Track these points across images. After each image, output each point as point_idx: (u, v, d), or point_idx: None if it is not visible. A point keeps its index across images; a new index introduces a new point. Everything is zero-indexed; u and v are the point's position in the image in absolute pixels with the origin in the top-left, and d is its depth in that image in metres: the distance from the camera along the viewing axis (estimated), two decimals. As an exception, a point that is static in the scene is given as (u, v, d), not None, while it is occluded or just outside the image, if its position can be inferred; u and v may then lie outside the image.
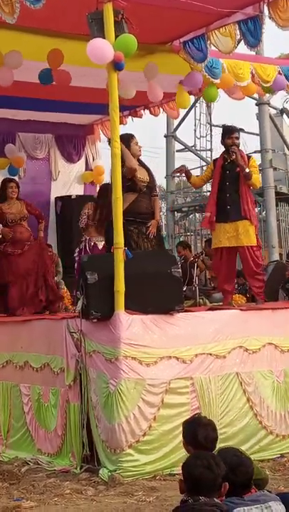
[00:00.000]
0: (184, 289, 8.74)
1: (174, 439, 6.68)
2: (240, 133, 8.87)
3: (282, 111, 20.82)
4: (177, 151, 22.29)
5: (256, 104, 18.81)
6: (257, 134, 19.23)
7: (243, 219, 8.17)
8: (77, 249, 10.26)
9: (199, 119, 22.24)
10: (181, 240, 19.46)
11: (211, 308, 8.19)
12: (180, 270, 7.28)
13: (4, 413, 7.99)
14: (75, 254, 10.14)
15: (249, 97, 14.44)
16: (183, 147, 22.36)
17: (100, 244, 9.51)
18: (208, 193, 22.30)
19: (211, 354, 7.10)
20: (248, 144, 32.97)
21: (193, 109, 21.49)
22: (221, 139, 8.61)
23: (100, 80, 7.43)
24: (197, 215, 23.19)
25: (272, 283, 9.33)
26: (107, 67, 6.88)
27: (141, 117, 11.42)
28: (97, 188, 10.84)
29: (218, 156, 8.66)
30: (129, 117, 11.44)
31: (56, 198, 12.40)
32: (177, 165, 22.26)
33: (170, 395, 6.78)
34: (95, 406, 6.75)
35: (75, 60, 8.27)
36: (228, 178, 8.29)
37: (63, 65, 8.56)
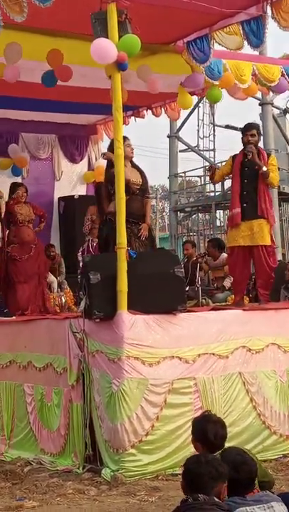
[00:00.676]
0: (187, 289, 8.75)
1: (177, 439, 6.69)
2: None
3: (286, 111, 20.82)
4: (180, 151, 22.30)
5: (259, 105, 18.81)
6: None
7: (259, 218, 8.11)
8: (81, 250, 10.33)
9: (202, 120, 22.24)
10: (184, 240, 19.41)
11: (214, 309, 8.19)
12: (183, 270, 7.28)
13: (8, 413, 8.00)
14: (79, 254, 10.20)
15: (252, 97, 14.46)
16: (186, 147, 22.36)
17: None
18: (211, 194, 22.40)
19: (213, 354, 7.10)
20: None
21: (197, 109, 21.49)
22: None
23: (104, 80, 7.42)
24: (200, 215, 23.19)
25: (274, 283, 9.31)
26: (111, 67, 6.88)
27: (143, 117, 11.43)
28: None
29: (237, 153, 8.52)
30: (132, 117, 11.45)
31: (59, 198, 12.42)
32: (180, 165, 22.40)
33: (173, 395, 6.78)
34: (98, 406, 6.76)
35: (78, 59, 8.27)
36: (246, 175, 8.22)
37: (66, 64, 8.54)
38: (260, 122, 18.66)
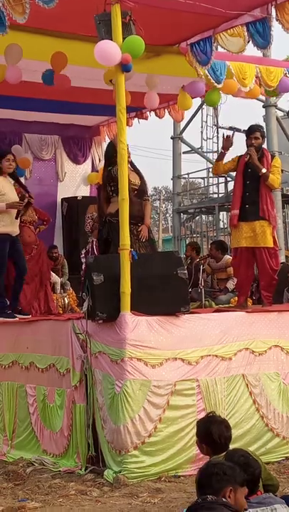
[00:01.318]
0: (190, 290, 8.75)
1: (180, 441, 6.69)
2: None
3: (289, 113, 20.79)
4: (184, 152, 22.30)
5: (263, 107, 18.81)
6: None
7: (260, 219, 8.12)
8: (84, 251, 10.33)
9: (206, 121, 22.24)
10: (187, 241, 19.43)
11: (217, 310, 8.19)
12: (186, 272, 7.28)
13: (9, 413, 8.00)
14: (82, 256, 10.21)
15: (256, 99, 14.45)
16: (189, 149, 22.36)
17: None
18: (215, 195, 22.40)
19: (216, 356, 7.09)
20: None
21: (200, 111, 21.50)
22: None
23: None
24: (203, 216, 23.19)
25: (278, 285, 9.30)
26: (115, 69, 6.88)
27: (147, 119, 11.44)
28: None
29: (243, 154, 8.52)
30: (135, 119, 11.46)
31: (62, 199, 12.43)
32: (184, 167, 22.41)
33: (175, 396, 6.77)
34: (101, 407, 6.75)
35: (82, 61, 8.28)
36: (248, 177, 8.24)
37: (70, 65, 8.56)
38: (263, 124, 18.67)
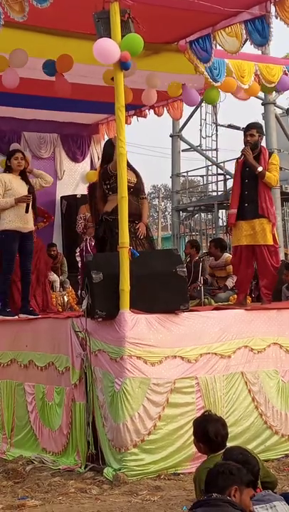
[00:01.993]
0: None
1: (179, 439, 6.69)
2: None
3: (288, 111, 20.81)
4: (183, 150, 22.32)
5: (262, 104, 18.82)
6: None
7: (260, 217, 8.13)
8: (78, 249, 10.33)
9: (205, 119, 22.28)
10: (186, 239, 19.44)
11: (216, 308, 8.19)
12: (185, 270, 7.28)
13: (8, 412, 8.01)
14: (77, 254, 10.19)
15: (255, 97, 14.45)
16: (188, 147, 22.37)
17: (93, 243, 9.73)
18: (214, 193, 22.41)
19: (216, 354, 7.09)
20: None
21: (199, 108, 21.50)
22: None
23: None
24: (202, 214, 23.20)
25: (277, 283, 9.30)
26: (114, 66, 6.87)
27: (145, 117, 11.44)
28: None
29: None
30: (134, 117, 11.46)
31: (62, 198, 12.43)
32: (183, 165, 22.42)
33: (175, 394, 6.77)
34: (102, 405, 6.76)
35: (81, 58, 8.28)
36: (247, 175, 8.26)
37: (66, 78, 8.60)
38: (262, 122, 18.67)
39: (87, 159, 12.75)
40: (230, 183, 17.07)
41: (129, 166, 8.39)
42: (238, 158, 8.39)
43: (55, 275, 11.47)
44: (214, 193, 22.21)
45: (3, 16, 6.86)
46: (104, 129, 12.56)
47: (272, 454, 7.21)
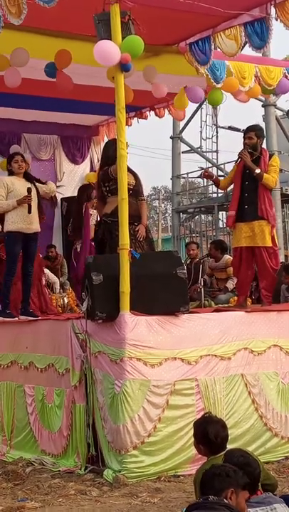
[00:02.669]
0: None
1: (179, 441, 6.69)
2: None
3: None
4: (183, 152, 22.32)
5: (262, 106, 18.82)
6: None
7: (259, 219, 8.14)
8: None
9: (205, 121, 22.27)
10: (187, 241, 19.44)
11: (217, 310, 8.18)
12: (185, 271, 7.28)
13: (8, 413, 8.00)
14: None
15: (255, 99, 14.46)
16: (189, 148, 22.37)
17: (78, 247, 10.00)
18: (214, 195, 22.40)
19: (216, 355, 7.09)
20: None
21: (199, 110, 21.52)
22: None
23: (107, 79, 7.43)
24: (203, 216, 23.19)
25: (276, 285, 9.30)
26: (114, 68, 6.88)
27: (146, 119, 11.43)
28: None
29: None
30: (135, 118, 11.46)
31: (62, 199, 12.42)
32: (183, 166, 22.43)
33: (175, 396, 6.77)
34: (102, 407, 6.75)
35: (81, 59, 8.29)
36: (247, 177, 8.27)
37: (70, 63, 8.56)
38: (263, 124, 18.69)
39: (87, 161, 12.75)
40: (230, 186, 17.05)
41: (128, 168, 8.39)
42: (235, 162, 8.41)
43: (55, 277, 11.46)
44: (214, 195, 22.21)
45: (2, 19, 6.87)
46: (105, 131, 12.56)
47: (272, 456, 7.21)
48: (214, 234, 21.24)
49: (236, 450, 4.27)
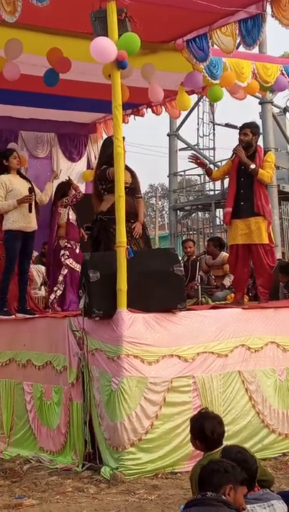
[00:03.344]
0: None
1: (176, 438, 6.69)
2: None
3: (285, 110, 20.80)
4: (180, 149, 22.28)
5: (259, 103, 18.79)
6: (260, 133, 19.22)
7: (255, 215, 8.14)
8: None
9: (202, 118, 22.24)
10: (184, 238, 19.41)
11: (214, 307, 8.19)
12: (182, 269, 7.28)
13: (7, 411, 8.01)
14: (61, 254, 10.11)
15: (252, 96, 14.45)
16: (186, 146, 22.35)
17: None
18: (211, 192, 22.39)
19: (213, 353, 7.10)
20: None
21: (196, 107, 21.49)
22: None
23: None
24: (200, 213, 23.17)
25: (274, 282, 9.31)
26: (111, 65, 6.87)
27: (143, 116, 11.42)
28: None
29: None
30: (132, 116, 11.44)
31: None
32: (180, 164, 22.38)
33: (172, 393, 6.78)
34: (99, 404, 6.76)
35: (78, 56, 8.27)
36: (242, 173, 8.28)
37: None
38: (259, 121, 18.68)
39: (84, 158, 12.72)
40: (227, 183, 17.05)
41: (125, 166, 8.37)
42: (230, 158, 8.42)
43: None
44: (211, 192, 22.19)
45: (-1, 15, 6.88)
46: (103, 128, 12.53)
47: (269, 452, 7.22)
48: (211, 231, 21.23)
49: (233, 447, 4.27)
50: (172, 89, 9.75)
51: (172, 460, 6.67)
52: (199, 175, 23.84)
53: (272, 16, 7.91)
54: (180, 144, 22.06)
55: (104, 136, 11.99)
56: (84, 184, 12.57)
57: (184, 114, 17.24)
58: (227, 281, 10.74)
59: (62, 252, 9.81)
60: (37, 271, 11.18)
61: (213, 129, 22.44)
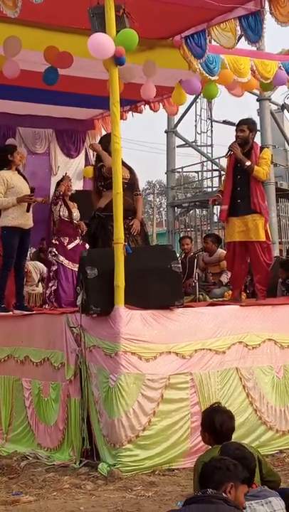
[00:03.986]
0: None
1: (174, 434, 6.70)
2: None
3: (283, 107, 20.80)
4: (178, 146, 22.28)
5: (257, 100, 18.79)
6: (258, 130, 19.21)
7: (252, 213, 8.13)
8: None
9: (200, 115, 22.25)
10: (181, 235, 19.42)
11: (211, 304, 8.19)
12: (180, 265, 7.28)
13: (6, 407, 8.01)
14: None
15: (250, 93, 14.45)
16: (183, 143, 22.34)
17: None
18: (209, 189, 22.36)
19: (210, 349, 7.10)
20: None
21: (194, 104, 21.49)
22: None
23: (101, 71, 7.40)
24: (197, 210, 23.17)
25: (271, 279, 9.31)
26: (108, 61, 6.86)
27: (141, 112, 11.42)
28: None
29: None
30: (130, 112, 11.43)
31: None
32: (178, 161, 22.37)
33: (170, 390, 6.78)
34: (97, 400, 6.75)
35: (75, 52, 8.26)
36: (239, 171, 8.25)
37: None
38: (257, 118, 18.66)
39: (82, 155, 12.72)
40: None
41: (122, 162, 8.37)
42: (226, 154, 8.39)
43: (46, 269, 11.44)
44: (209, 189, 22.19)
45: (-2, 11, 6.87)
46: (101, 124, 12.53)
47: (266, 449, 7.21)
48: (209, 228, 21.23)
49: (232, 443, 4.28)
50: (170, 86, 9.74)
51: (169, 457, 6.68)
52: (197, 172, 23.85)
53: (270, 13, 7.90)
54: (178, 141, 22.06)
55: (104, 133, 12.00)
56: (82, 181, 12.59)
57: (181, 110, 17.26)
58: (224, 278, 10.74)
59: (49, 249, 9.89)
60: (34, 267, 11.18)
61: (211, 126, 22.45)
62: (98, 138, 12.56)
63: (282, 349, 7.61)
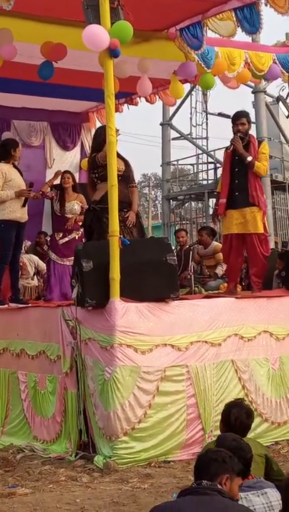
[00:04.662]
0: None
1: (169, 427, 6.71)
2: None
3: (278, 99, 20.79)
4: (173, 139, 22.26)
5: (252, 93, 18.78)
6: (253, 123, 19.19)
7: (251, 205, 8.13)
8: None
9: (195, 107, 22.21)
10: (177, 228, 19.42)
11: (207, 296, 8.20)
12: (175, 258, 7.28)
13: (2, 400, 8.02)
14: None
15: (245, 85, 14.43)
16: (179, 135, 22.32)
17: None
18: (204, 182, 22.34)
19: (206, 342, 7.11)
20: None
21: (189, 97, 21.45)
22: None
23: (97, 64, 7.38)
24: (193, 203, 23.16)
25: (267, 271, 9.32)
26: (103, 53, 6.84)
27: (137, 105, 11.38)
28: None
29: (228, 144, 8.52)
30: (125, 105, 11.40)
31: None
32: (173, 153, 22.35)
33: (165, 382, 6.79)
34: (93, 393, 6.76)
35: (70, 44, 8.23)
36: (237, 164, 8.24)
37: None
38: (252, 110, 18.66)
39: (77, 147, 12.69)
40: (220, 172, 17.04)
41: (117, 154, 8.34)
42: (227, 148, 8.38)
43: (44, 264, 11.43)
44: (205, 182, 22.19)
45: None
46: (96, 117, 12.49)
47: (262, 441, 7.09)
48: (204, 221, 21.23)
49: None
50: (165, 78, 9.71)
51: (165, 449, 6.69)
52: (192, 164, 23.83)
53: (266, 5, 7.89)
54: (173, 134, 22.04)
55: (99, 125, 11.96)
56: (78, 173, 12.55)
57: (176, 103, 17.22)
58: (219, 271, 10.74)
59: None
60: (29, 260, 11.18)
61: (206, 119, 22.43)
62: (93, 131, 12.57)
63: (278, 341, 7.62)
